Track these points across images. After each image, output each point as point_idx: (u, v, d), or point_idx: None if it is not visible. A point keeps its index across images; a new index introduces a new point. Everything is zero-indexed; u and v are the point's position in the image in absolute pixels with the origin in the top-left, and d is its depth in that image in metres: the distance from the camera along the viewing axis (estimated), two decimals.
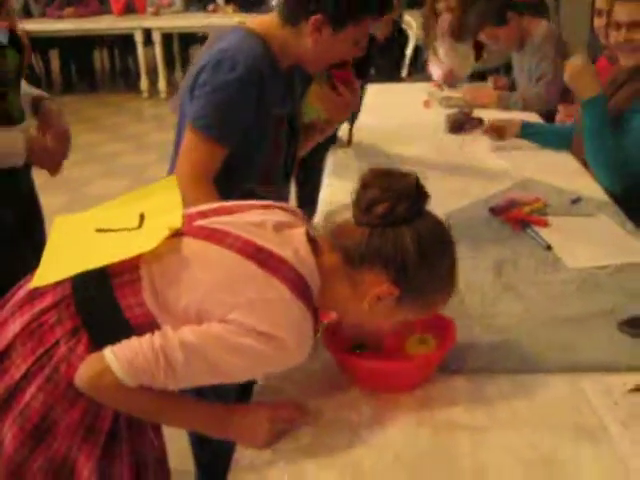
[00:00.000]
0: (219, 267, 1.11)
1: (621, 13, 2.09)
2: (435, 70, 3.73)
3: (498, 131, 2.63)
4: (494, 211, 2.00)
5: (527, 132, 2.61)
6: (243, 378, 1.15)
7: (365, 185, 1.15)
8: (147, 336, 1.07)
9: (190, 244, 1.15)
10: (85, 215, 1.33)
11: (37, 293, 1.17)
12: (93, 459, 1.16)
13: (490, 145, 2.66)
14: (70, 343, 1.12)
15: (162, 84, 7.68)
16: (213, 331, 1.07)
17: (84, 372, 1.07)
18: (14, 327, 1.17)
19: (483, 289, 1.60)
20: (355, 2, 1.56)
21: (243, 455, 1.13)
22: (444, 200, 2.11)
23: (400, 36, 3.26)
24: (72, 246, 1.24)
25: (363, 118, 2.67)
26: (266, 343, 1.06)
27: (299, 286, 1.10)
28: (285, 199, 1.87)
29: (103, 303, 1.13)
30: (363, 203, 1.14)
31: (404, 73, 4.51)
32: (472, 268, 1.69)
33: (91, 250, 1.19)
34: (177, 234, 1.16)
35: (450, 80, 3.58)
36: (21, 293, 1.22)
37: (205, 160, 1.61)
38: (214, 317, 1.08)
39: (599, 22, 2.71)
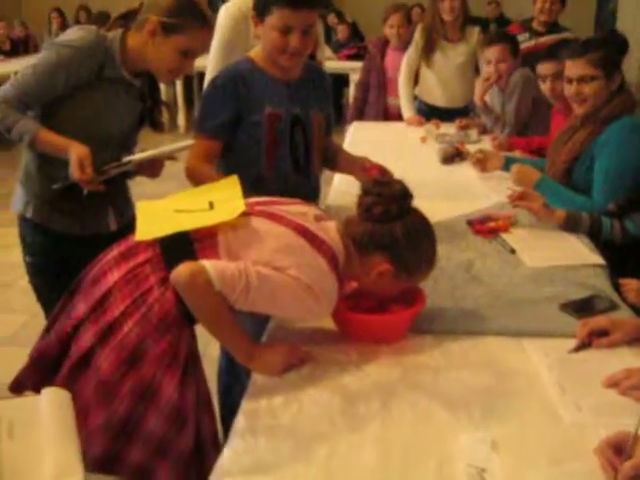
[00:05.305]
0: (280, 237, 1.50)
1: (571, 70, 2.50)
2: None
3: (481, 163, 3.01)
4: (471, 223, 2.36)
5: (508, 166, 2.98)
6: (286, 314, 1.58)
7: (364, 192, 1.57)
8: (233, 262, 1.44)
9: (256, 220, 1.54)
10: (161, 202, 1.69)
11: (130, 253, 1.53)
12: (175, 380, 1.47)
13: (476, 175, 3.03)
14: (162, 289, 1.45)
15: (181, 119, 8.24)
16: (277, 272, 1.45)
17: (185, 269, 1.40)
18: (112, 277, 1.51)
19: (454, 278, 1.96)
20: None
21: (258, 379, 1.48)
22: (431, 216, 2.46)
23: None
24: (160, 216, 1.61)
25: (365, 151, 3.01)
26: (307, 292, 1.45)
27: (333, 261, 1.50)
28: (308, 189, 2.22)
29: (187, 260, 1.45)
30: (363, 206, 1.55)
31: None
32: (446, 263, 2.04)
33: (178, 220, 1.54)
34: (243, 214, 1.53)
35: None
36: (114, 252, 1.56)
37: (198, 150, 2.10)
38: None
39: (544, 87, 3.08)
